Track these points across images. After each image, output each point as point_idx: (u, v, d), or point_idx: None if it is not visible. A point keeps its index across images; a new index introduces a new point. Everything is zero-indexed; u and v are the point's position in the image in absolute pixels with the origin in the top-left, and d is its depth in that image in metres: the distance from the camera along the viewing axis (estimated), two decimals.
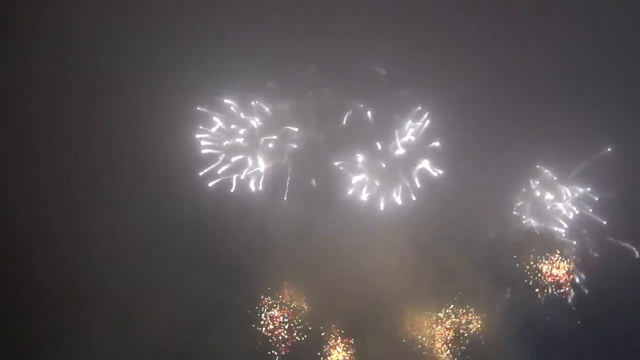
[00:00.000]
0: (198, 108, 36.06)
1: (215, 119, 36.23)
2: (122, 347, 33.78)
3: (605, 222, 35.79)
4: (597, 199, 36.00)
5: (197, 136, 36.04)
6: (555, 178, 36.83)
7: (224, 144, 36.36)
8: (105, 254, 34.55)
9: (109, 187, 35.66)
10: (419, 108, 35.70)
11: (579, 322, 36.28)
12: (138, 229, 34.80)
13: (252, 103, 36.31)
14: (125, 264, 34.40)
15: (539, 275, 37.13)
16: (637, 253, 35.92)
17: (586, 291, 36.42)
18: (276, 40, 34.92)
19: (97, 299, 34.14)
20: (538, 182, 37.14)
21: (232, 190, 36.17)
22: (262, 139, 36.52)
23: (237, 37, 34.69)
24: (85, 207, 35.53)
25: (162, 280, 34.18)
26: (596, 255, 36.39)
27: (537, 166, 37.03)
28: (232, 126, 36.43)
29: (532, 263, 37.29)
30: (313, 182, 36.56)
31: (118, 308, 34.43)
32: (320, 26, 34.79)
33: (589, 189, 36.30)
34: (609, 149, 35.33)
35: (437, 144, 35.56)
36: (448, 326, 36.84)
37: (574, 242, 36.72)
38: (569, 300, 36.74)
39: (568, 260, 36.89)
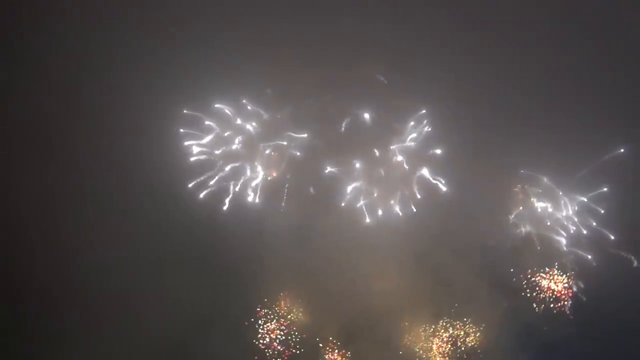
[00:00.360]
0: (194, 113, 35.74)
1: (214, 125, 35.93)
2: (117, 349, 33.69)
3: (613, 237, 35.57)
4: (602, 211, 35.79)
5: (197, 142, 35.83)
6: (561, 193, 36.65)
7: (221, 150, 36.03)
8: (104, 256, 34.36)
9: (110, 190, 35.39)
10: (424, 111, 35.48)
11: (576, 330, 35.86)
12: (136, 230, 34.59)
13: (248, 107, 35.92)
14: (122, 267, 34.33)
15: (537, 289, 36.75)
16: (635, 262, 35.86)
17: (584, 299, 36.16)
18: (275, 45, 34.60)
19: (94, 301, 34.17)
20: (540, 191, 36.91)
21: (229, 198, 35.73)
22: (260, 145, 36.21)
23: (235, 41, 34.47)
24: (86, 209, 35.39)
25: (156, 287, 33.98)
26: (594, 264, 36.13)
27: (522, 170, 36.87)
28: (228, 132, 36.13)
29: (529, 276, 36.89)
30: (311, 189, 35.95)
31: (113, 311, 34.37)
32: (319, 30, 34.68)
33: (589, 196, 36.15)
34: (621, 150, 35.16)
35: (438, 151, 35.31)
36: (445, 339, 36.19)
37: (573, 251, 36.49)
38: (567, 311, 36.40)
39: (567, 274, 36.56)
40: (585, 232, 36.17)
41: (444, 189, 35.32)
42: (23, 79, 34.79)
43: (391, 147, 35.87)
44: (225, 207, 35.69)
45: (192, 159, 35.86)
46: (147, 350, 33.67)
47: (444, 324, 36.31)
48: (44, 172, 35.06)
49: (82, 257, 34.47)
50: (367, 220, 35.43)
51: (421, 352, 36.05)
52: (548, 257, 36.81)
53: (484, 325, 36.17)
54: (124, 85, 34.77)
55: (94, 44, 34.99)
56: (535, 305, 36.66)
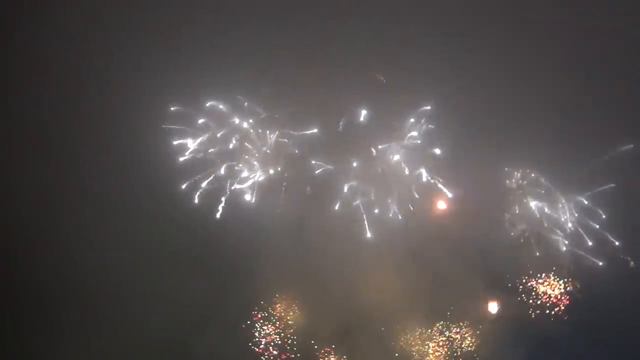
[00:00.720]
0: (193, 111, 35.86)
1: (210, 123, 36.04)
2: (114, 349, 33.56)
3: (617, 243, 35.17)
4: (603, 216, 35.43)
5: (193, 140, 35.98)
6: (564, 200, 36.30)
7: (217, 148, 36.10)
8: (102, 256, 34.58)
9: (108, 190, 35.65)
10: (428, 107, 35.34)
11: (573, 332, 35.14)
12: (134, 230, 34.83)
13: (245, 104, 36.06)
14: (120, 267, 34.47)
15: (533, 294, 36.42)
16: (631, 262, 35.49)
17: (583, 300, 35.76)
18: (273, 44, 34.98)
19: (91, 301, 34.29)
20: (543, 192, 36.63)
21: (225, 197, 35.78)
22: (258, 144, 36.25)
23: (234, 40, 34.65)
24: (84, 208, 35.58)
25: (154, 287, 34.00)
26: (593, 264, 35.70)
27: (521, 170, 36.66)
28: (224, 131, 36.19)
29: (526, 280, 36.53)
30: (308, 188, 35.98)
31: (111, 311, 34.37)
32: (318, 29, 34.87)
33: (588, 195, 35.82)
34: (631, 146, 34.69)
35: (437, 150, 35.20)
36: (442, 343, 35.87)
37: (572, 252, 36.09)
38: (565, 314, 36.00)
39: (565, 277, 36.18)
40: (584, 232, 35.86)
41: (442, 188, 35.24)
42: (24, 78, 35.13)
43: (385, 146, 35.94)
44: (222, 206, 35.67)
45: (190, 158, 35.98)
46: (146, 350, 33.52)
47: (440, 327, 36.00)
48: (43, 171, 35.25)
49: (79, 257, 34.53)
50: (360, 207, 35.35)
51: (417, 355, 35.72)
52: (547, 259, 36.45)
53: (480, 327, 35.83)
54: (122, 84, 35.00)
55: (92, 43, 35.28)
56: (532, 309, 36.29)
